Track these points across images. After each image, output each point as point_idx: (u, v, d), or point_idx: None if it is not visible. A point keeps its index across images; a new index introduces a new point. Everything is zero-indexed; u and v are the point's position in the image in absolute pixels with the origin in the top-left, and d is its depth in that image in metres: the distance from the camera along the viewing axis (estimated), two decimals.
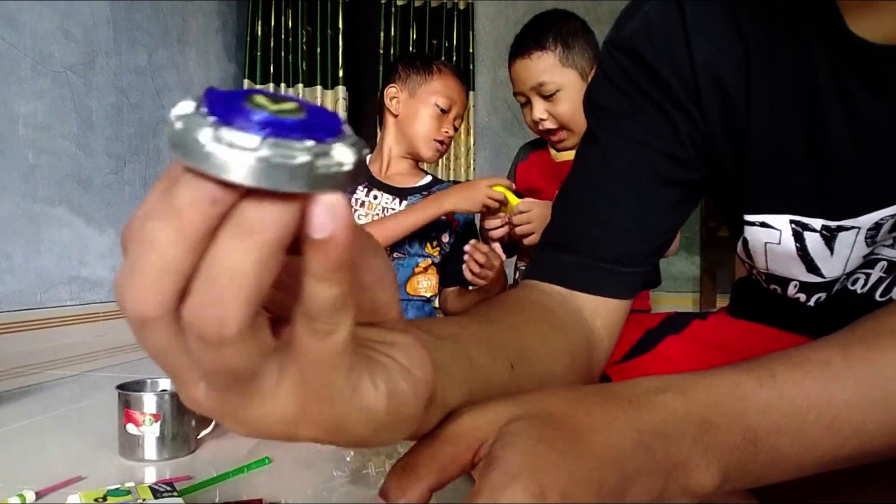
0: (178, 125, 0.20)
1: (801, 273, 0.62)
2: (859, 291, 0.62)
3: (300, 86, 3.08)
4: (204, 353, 0.23)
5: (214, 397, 0.25)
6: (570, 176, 0.63)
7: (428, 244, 1.69)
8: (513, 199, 1.50)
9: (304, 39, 3.11)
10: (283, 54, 3.09)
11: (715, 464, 0.36)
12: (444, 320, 0.45)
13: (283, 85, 3.10)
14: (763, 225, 0.60)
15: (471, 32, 3.18)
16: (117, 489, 0.72)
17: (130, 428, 0.95)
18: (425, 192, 1.70)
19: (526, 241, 1.48)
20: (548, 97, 1.54)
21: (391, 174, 1.72)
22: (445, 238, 1.71)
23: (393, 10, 3.15)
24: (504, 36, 3.10)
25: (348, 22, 3.16)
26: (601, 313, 0.58)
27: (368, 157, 0.20)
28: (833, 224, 0.57)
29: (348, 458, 0.93)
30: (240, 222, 0.21)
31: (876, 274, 0.60)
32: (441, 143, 1.67)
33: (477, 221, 1.70)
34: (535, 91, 1.55)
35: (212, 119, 0.20)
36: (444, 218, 1.62)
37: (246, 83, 3.02)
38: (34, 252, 2.03)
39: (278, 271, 0.22)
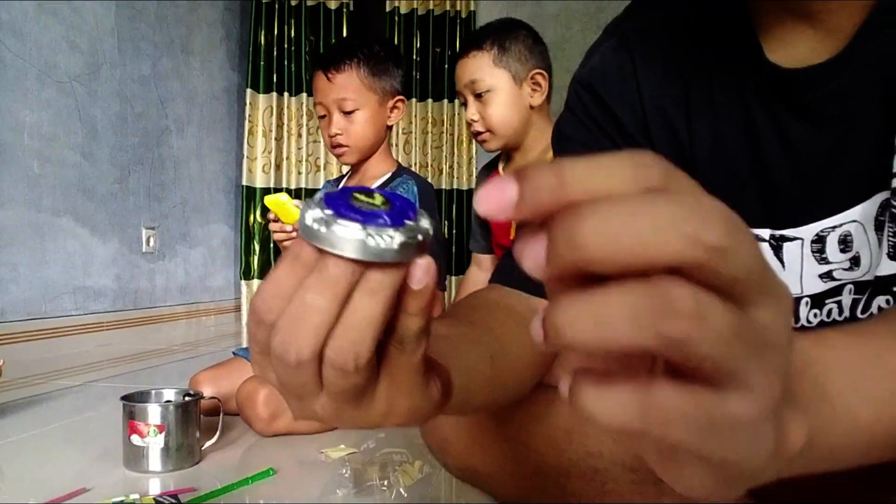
0: (322, 229, 0.29)
1: None
2: (839, 319, 0.62)
3: (304, 95, 3.10)
4: (339, 380, 0.32)
5: (331, 407, 0.34)
6: None
7: None
8: (286, 213, 1.45)
9: (308, 49, 3.12)
10: (286, 63, 3.10)
11: (800, 418, 0.30)
12: (438, 320, 0.50)
13: (286, 94, 3.11)
14: None
15: (472, 18, 3.19)
16: (122, 501, 0.72)
17: (135, 439, 0.95)
18: None
19: None
20: (479, 97, 1.57)
21: (356, 181, 1.71)
22: None
23: (396, 18, 3.16)
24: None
25: (351, 31, 3.17)
26: None
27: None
28: (777, 233, 0.61)
29: (347, 473, 0.93)
30: (370, 285, 0.30)
31: (847, 298, 0.61)
32: (336, 146, 1.60)
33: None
34: (468, 89, 1.58)
35: (348, 220, 0.29)
36: None
37: (249, 93, 3.03)
38: (39, 262, 2.03)
39: (390, 314, 0.31)
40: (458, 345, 0.46)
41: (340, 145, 1.61)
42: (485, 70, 1.56)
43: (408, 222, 0.30)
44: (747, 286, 0.22)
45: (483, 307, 0.61)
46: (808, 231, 0.59)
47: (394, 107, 1.64)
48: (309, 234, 0.29)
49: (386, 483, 0.90)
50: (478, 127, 1.60)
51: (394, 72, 1.62)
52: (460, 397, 0.44)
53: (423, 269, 0.30)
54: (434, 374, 0.38)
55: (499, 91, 1.56)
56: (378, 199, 0.30)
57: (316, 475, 0.96)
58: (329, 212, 0.29)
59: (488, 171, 1.79)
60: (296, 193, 3.11)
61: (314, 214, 0.29)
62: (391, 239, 0.29)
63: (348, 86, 1.56)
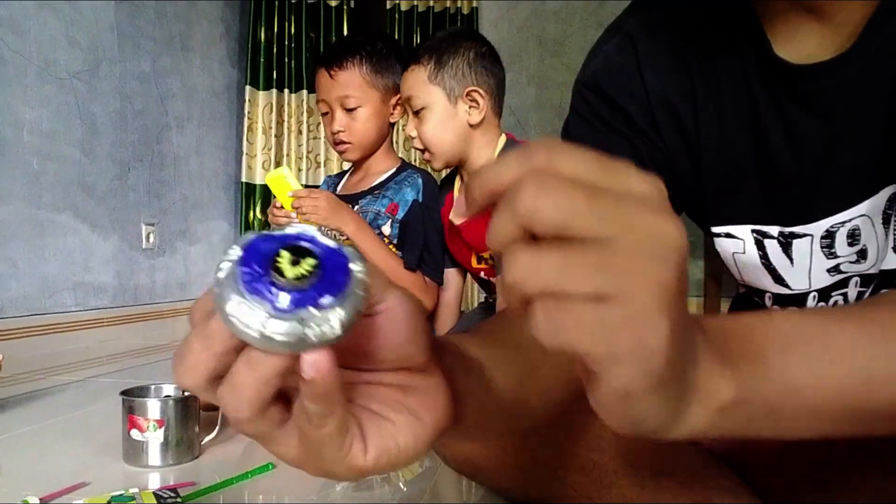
0: (216, 290, 0.27)
1: (770, 284, 0.65)
2: None
3: (304, 92, 3.09)
4: (236, 424, 0.32)
5: (261, 440, 0.34)
6: None
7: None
8: (282, 194, 1.46)
9: (308, 45, 3.12)
10: (286, 60, 3.10)
11: (729, 373, 0.34)
12: (473, 338, 0.48)
13: (286, 91, 3.10)
14: (728, 235, 0.65)
15: (475, 14, 3.18)
16: (121, 495, 0.72)
17: (134, 434, 0.95)
18: (377, 192, 1.64)
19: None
20: (416, 113, 1.49)
21: (360, 177, 1.72)
22: (387, 230, 1.62)
23: (397, 15, 3.16)
24: (507, 40, 3.11)
25: (352, 28, 3.17)
26: None
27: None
28: (787, 230, 0.60)
29: None
30: (248, 358, 0.29)
31: (853, 291, 0.62)
32: (339, 143, 1.61)
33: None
34: (407, 104, 1.51)
35: (238, 290, 0.26)
36: (381, 211, 1.59)
37: (248, 90, 3.03)
38: (39, 258, 2.03)
39: (278, 385, 0.30)
40: (490, 372, 0.44)
41: (343, 142, 1.61)
42: (419, 87, 1.47)
43: (310, 309, 0.26)
44: (577, 229, 0.27)
45: (518, 323, 0.58)
46: (818, 227, 0.59)
47: (397, 104, 1.63)
48: (214, 300, 0.27)
49: (385, 478, 0.90)
50: (417, 144, 1.52)
51: (396, 68, 1.60)
52: (478, 429, 0.44)
53: (308, 364, 0.28)
54: (373, 439, 0.34)
55: (433, 109, 1.47)
56: (303, 268, 0.27)
57: None
58: (234, 268, 0.27)
59: (444, 190, 1.69)
60: None
61: (225, 263, 0.27)
62: (262, 328, 0.26)
63: (351, 83, 1.56)
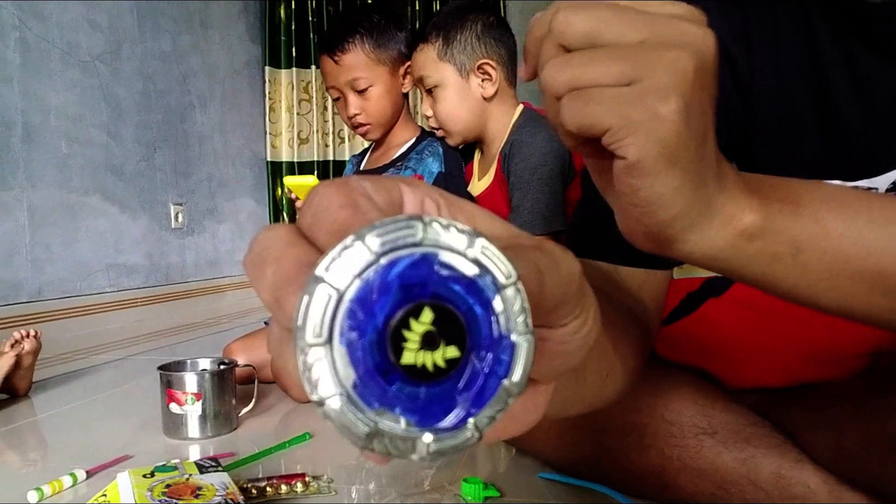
0: (303, 357, 0.18)
1: None
2: None
3: None
4: None
5: None
6: None
7: None
8: (300, 190, 1.42)
9: (328, 18, 3.10)
10: (308, 35, 3.08)
11: (757, 203, 0.36)
12: None
13: (312, 67, 3.09)
14: None
15: (501, 3, 3.13)
16: (164, 465, 0.73)
17: (173, 407, 0.96)
18: (399, 164, 1.62)
19: None
20: (429, 92, 1.48)
21: (382, 151, 1.71)
22: None
23: None
24: (529, 6, 3.05)
25: (373, 1, 3.13)
26: (646, 286, 0.57)
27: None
28: (849, 185, 0.56)
29: None
30: None
31: None
32: (357, 126, 1.60)
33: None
34: (420, 84, 1.50)
35: (348, 391, 0.18)
36: None
37: (268, 71, 3.02)
38: (72, 241, 2.07)
39: None
40: (589, 364, 0.43)
41: (361, 124, 1.60)
42: (430, 65, 1.46)
43: (469, 422, 0.19)
44: (605, 35, 0.30)
45: (614, 307, 0.53)
46: (884, 180, 0.55)
47: (406, 73, 1.61)
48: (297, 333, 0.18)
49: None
50: (432, 123, 1.51)
51: (398, 37, 1.58)
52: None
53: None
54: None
55: (446, 86, 1.46)
56: (444, 354, 0.18)
57: None
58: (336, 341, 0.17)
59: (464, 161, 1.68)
60: (323, 167, 3.11)
61: (314, 314, 0.17)
62: (401, 447, 0.18)
63: (356, 64, 1.54)
